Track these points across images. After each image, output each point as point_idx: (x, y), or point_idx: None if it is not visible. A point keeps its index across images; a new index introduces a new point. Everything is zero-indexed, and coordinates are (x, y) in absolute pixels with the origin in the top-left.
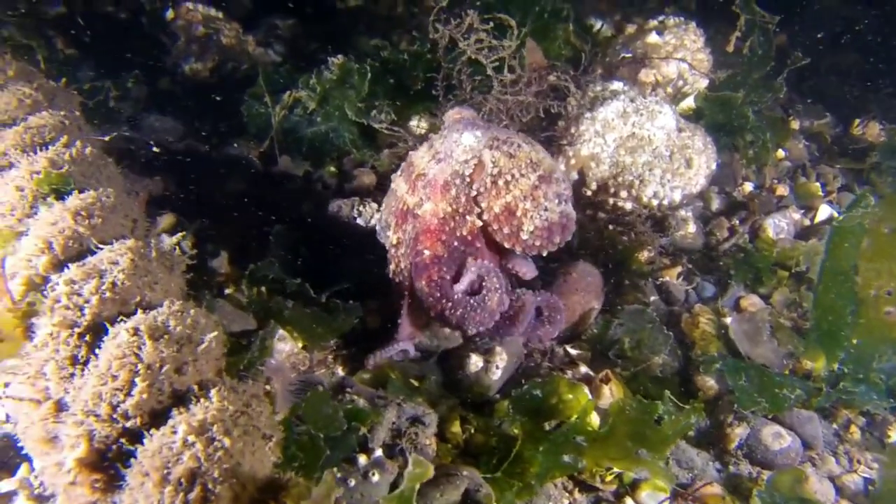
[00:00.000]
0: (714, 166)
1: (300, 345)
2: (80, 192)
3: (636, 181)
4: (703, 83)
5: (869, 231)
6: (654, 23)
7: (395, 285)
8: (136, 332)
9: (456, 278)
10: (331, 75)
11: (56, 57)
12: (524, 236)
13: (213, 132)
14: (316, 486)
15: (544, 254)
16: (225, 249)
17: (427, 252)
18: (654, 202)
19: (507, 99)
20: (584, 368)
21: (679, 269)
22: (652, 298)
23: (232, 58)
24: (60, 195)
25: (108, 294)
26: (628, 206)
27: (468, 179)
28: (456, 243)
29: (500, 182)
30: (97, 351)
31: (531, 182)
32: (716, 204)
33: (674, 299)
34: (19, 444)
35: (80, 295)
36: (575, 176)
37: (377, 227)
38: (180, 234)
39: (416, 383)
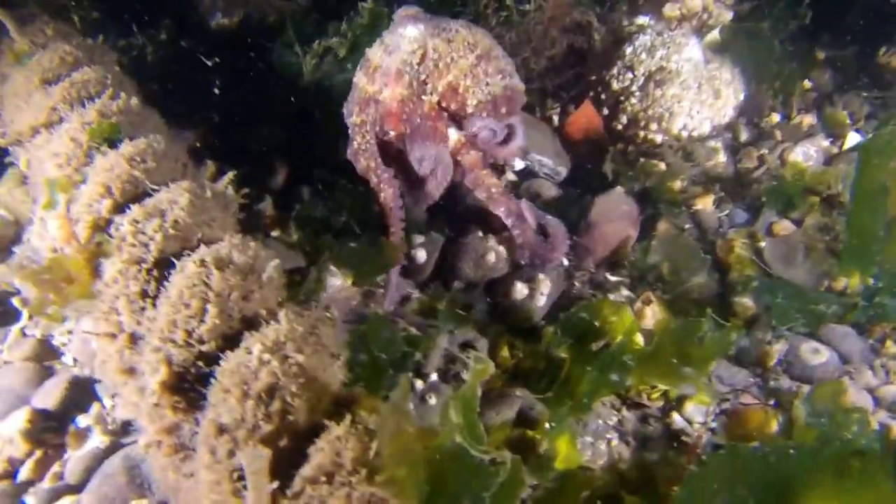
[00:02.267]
0: (742, 97)
1: (349, 281)
2: (131, 139)
3: (665, 113)
4: (728, 15)
5: None
6: None
7: (360, 159)
8: (202, 263)
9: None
10: (361, 20)
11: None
12: (469, 109)
13: (244, 83)
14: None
15: (495, 120)
16: (269, 193)
17: (393, 132)
18: (684, 133)
19: (529, 30)
20: (625, 292)
21: (711, 196)
22: (686, 226)
23: (257, 9)
24: (113, 143)
25: (171, 231)
26: (658, 138)
27: (416, 66)
28: (419, 120)
29: (441, 64)
30: (166, 284)
31: (470, 61)
32: (744, 135)
33: (707, 226)
34: (91, 385)
35: (144, 233)
36: (605, 111)
37: (344, 114)
38: (230, 174)
39: (463, 312)
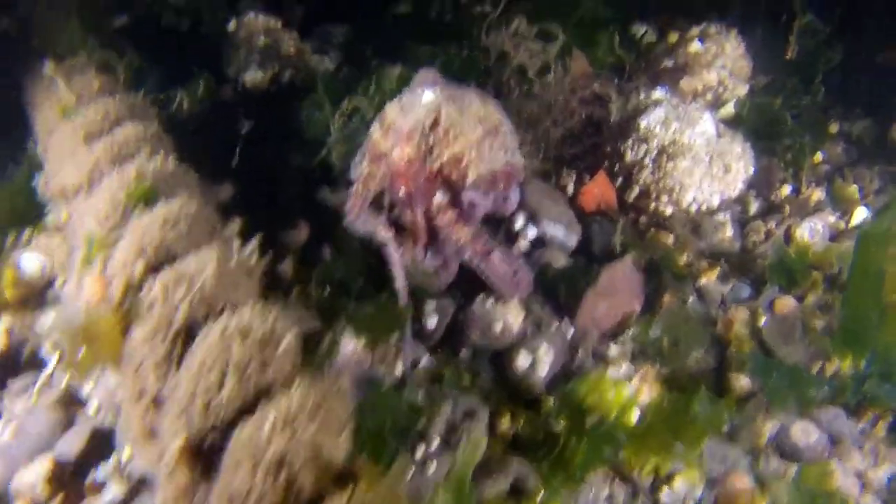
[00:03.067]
0: (752, 171)
1: (363, 342)
2: (166, 200)
3: (676, 186)
4: (744, 89)
5: None
6: (696, 30)
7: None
8: (224, 332)
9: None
10: (389, 84)
11: (127, 69)
12: (469, 181)
13: (272, 138)
14: (384, 472)
15: (491, 195)
16: (290, 252)
17: (402, 190)
18: (694, 206)
19: (550, 101)
20: (625, 366)
21: (717, 271)
22: (690, 300)
23: (290, 66)
24: (148, 205)
25: (198, 297)
26: (669, 210)
27: (427, 129)
28: (422, 180)
29: (451, 134)
30: (190, 350)
31: (477, 135)
32: (754, 207)
33: (711, 300)
34: (111, 435)
35: (173, 299)
36: (619, 181)
37: (351, 167)
38: (256, 240)
39: (469, 378)
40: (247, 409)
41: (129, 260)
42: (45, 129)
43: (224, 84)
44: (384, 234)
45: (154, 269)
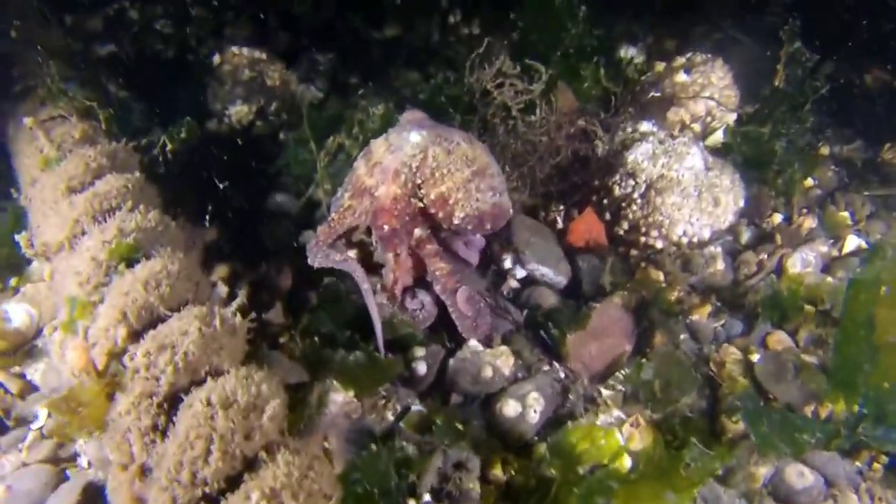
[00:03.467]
0: (742, 203)
1: (351, 393)
2: (148, 257)
3: (666, 221)
4: (732, 117)
5: (889, 280)
6: (682, 60)
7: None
8: (208, 402)
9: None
10: (373, 124)
11: (111, 101)
12: (455, 220)
13: (257, 174)
14: None
15: (477, 235)
16: (278, 298)
17: (386, 227)
18: (685, 240)
19: (535, 140)
20: (616, 412)
21: (708, 307)
22: (682, 337)
23: (276, 97)
24: (130, 263)
25: (181, 365)
26: (659, 244)
27: (415, 169)
28: (407, 218)
29: (437, 174)
30: (175, 418)
31: (465, 175)
32: (745, 237)
33: (703, 338)
34: (104, 490)
35: (156, 366)
36: (608, 216)
37: (333, 200)
38: (239, 297)
39: (460, 427)
40: (233, 480)
41: (111, 324)
42: (28, 179)
43: (208, 119)
44: (356, 267)
45: (136, 333)
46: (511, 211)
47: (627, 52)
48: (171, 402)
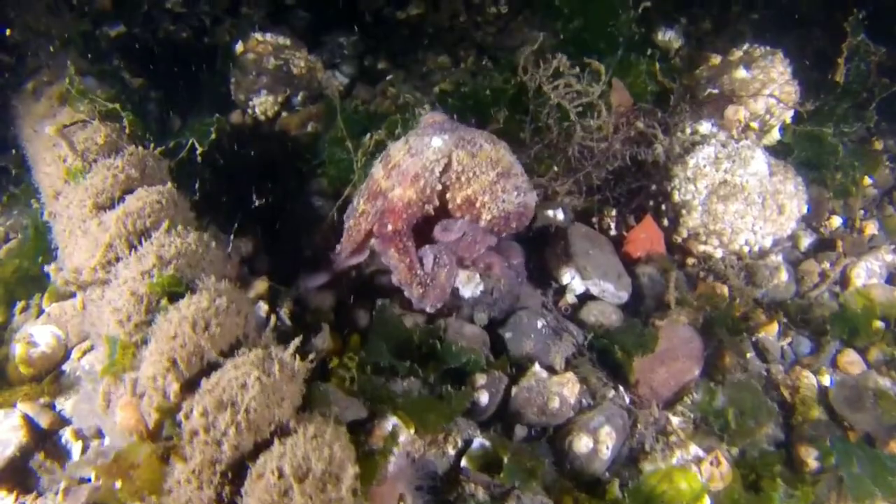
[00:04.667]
0: (805, 209)
1: (412, 430)
2: (191, 288)
3: (727, 229)
4: (789, 114)
5: None
6: (739, 53)
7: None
8: (280, 473)
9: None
10: (415, 125)
11: (126, 87)
12: (483, 223)
13: (293, 175)
14: None
15: (503, 235)
16: (323, 318)
17: (390, 227)
18: (746, 248)
19: (593, 146)
20: (693, 448)
21: (775, 324)
22: (748, 355)
23: (303, 87)
24: (173, 296)
25: (243, 425)
26: (719, 253)
27: (437, 174)
28: (414, 221)
29: (463, 178)
30: (241, 489)
31: (490, 178)
32: (805, 242)
33: (771, 357)
34: None
35: (216, 427)
36: (666, 223)
37: (349, 211)
38: (295, 342)
39: (530, 464)
40: None
41: (160, 373)
42: (50, 191)
43: (232, 110)
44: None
45: (188, 383)
46: (535, 209)
47: (666, 34)
48: (236, 470)
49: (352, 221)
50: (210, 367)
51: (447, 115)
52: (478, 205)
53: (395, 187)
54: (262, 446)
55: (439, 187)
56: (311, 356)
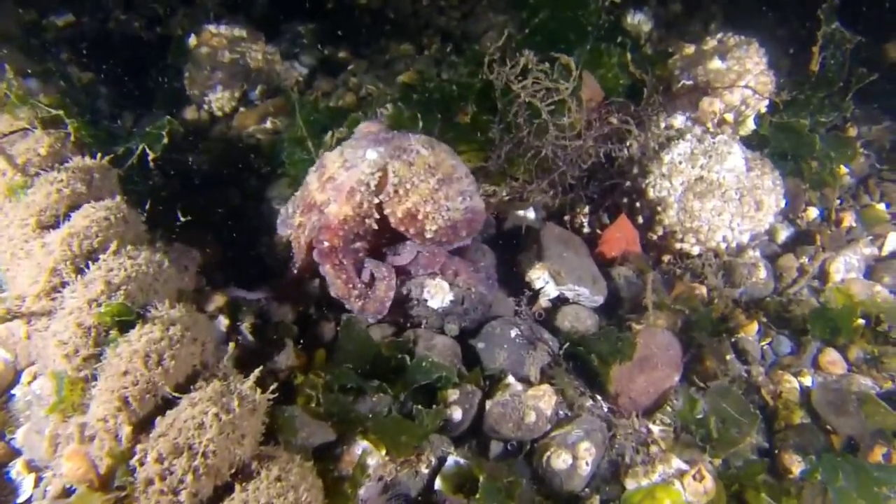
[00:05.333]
0: (783, 204)
1: (384, 452)
2: (142, 316)
3: (704, 226)
4: (764, 104)
5: None
6: (713, 42)
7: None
8: None
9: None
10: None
11: (73, 87)
12: (428, 235)
13: (251, 175)
14: None
15: (455, 245)
16: (286, 332)
17: (326, 243)
18: (723, 245)
19: (566, 145)
20: (675, 462)
21: (755, 324)
22: (728, 357)
23: (260, 80)
24: (124, 326)
25: (201, 469)
26: (695, 250)
27: (373, 188)
28: (352, 236)
29: (401, 190)
30: None
31: (430, 186)
32: (782, 235)
33: (751, 358)
34: None
35: (172, 474)
36: (641, 220)
37: (281, 217)
38: (256, 372)
39: (506, 483)
40: None
41: (111, 413)
42: None
43: (186, 106)
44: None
45: (142, 423)
46: (485, 212)
47: (635, 17)
48: None
49: (290, 233)
50: (165, 405)
51: (382, 124)
52: (420, 217)
53: (331, 202)
54: (222, 491)
55: (376, 201)
56: (273, 386)
